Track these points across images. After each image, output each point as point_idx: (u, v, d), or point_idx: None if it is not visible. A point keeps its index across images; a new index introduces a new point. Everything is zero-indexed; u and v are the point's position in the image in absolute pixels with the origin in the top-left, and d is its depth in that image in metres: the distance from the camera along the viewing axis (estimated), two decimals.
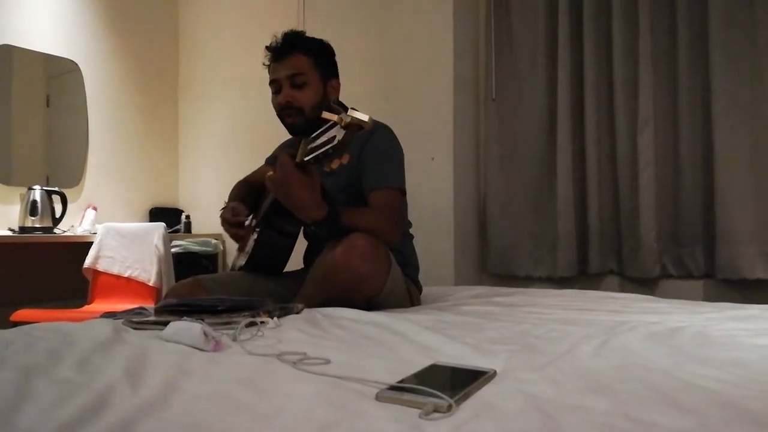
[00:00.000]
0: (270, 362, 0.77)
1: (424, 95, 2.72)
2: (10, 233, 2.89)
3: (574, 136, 2.51)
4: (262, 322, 1.06)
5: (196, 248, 3.42)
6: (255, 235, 1.67)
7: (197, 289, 1.54)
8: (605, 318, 1.21)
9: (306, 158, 1.26)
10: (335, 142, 1.20)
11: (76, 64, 3.36)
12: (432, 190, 2.65)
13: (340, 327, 1.03)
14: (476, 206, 2.81)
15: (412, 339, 0.92)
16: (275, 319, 1.08)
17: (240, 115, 3.58)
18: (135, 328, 1.03)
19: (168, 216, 3.71)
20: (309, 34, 3.06)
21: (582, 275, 2.51)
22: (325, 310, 1.25)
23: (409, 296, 1.61)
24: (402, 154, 1.69)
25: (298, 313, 1.27)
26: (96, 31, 3.47)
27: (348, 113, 1.19)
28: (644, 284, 2.38)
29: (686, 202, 2.31)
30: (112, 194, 3.53)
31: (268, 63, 1.70)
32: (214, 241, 3.48)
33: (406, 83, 2.78)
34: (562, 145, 2.51)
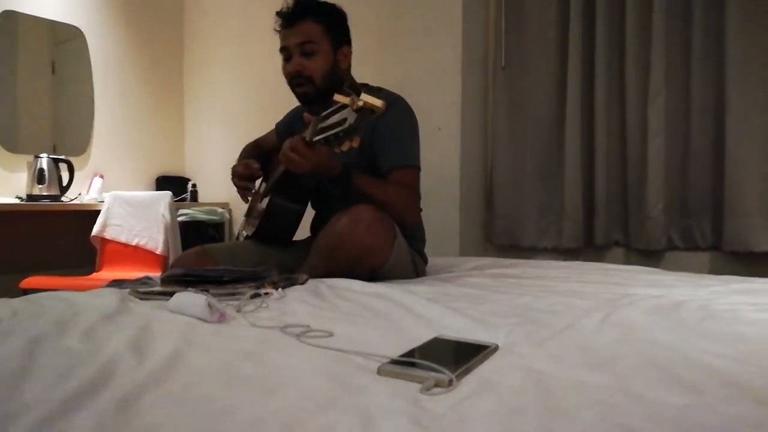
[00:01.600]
0: (273, 334, 0.77)
1: (430, 63, 2.68)
2: (17, 201, 2.90)
3: (583, 106, 2.47)
4: (266, 293, 1.07)
5: (202, 217, 3.43)
6: (263, 203, 1.67)
7: (204, 258, 1.55)
8: (608, 291, 1.21)
9: (316, 138, 1.25)
10: (346, 125, 1.18)
11: (81, 31, 3.32)
12: (438, 160, 2.63)
13: (344, 299, 1.04)
14: (483, 177, 2.79)
15: (415, 311, 0.92)
16: (280, 290, 1.08)
17: (246, 81, 3.55)
18: (141, 299, 1.04)
19: (174, 184, 3.71)
20: None
21: (588, 246, 2.50)
22: (329, 281, 1.25)
23: (414, 268, 1.62)
24: (416, 127, 1.68)
25: (302, 284, 1.28)
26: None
27: (361, 97, 1.17)
28: (650, 256, 2.37)
29: (695, 173, 2.28)
30: (119, 162, 3.54)
31: (278, 29, 1.67)
32: (220, 209, 3.49)
33: (412, 51, 2.74)
34: (571, 114, 2.48)
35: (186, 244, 3.04)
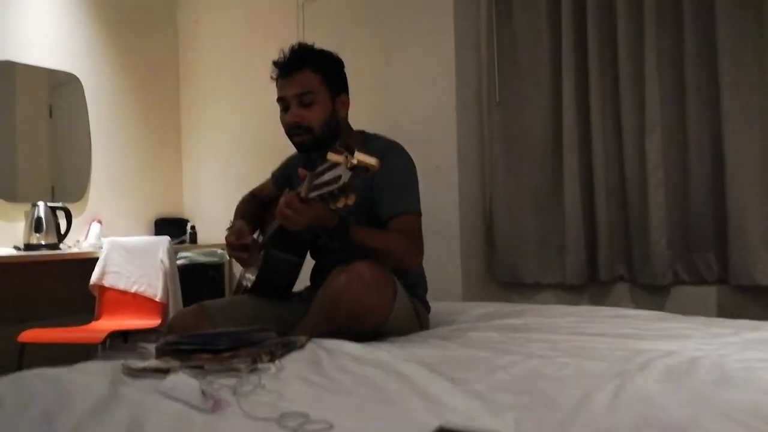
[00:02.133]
0: (269, 428, 0.74)
1: (426, 102, 2.68)
2: (14, 251, 2.88)
3: (580, 139, 2.47)
4: (265, 362, 1.04)
5: (202, 259, 3.40)
6: (261, 256, 1.64)
7: (201, 317, 1.52)
8: (618, 346, 1.17)
9: (311, 194, 1.23)
10: (341, 183, 1.16)
11: (77, 78, 3.34)
12: (437, 198, 2.60)
13: (344, 371, 1.00)
14: (482, 213, 2.76)
15: (419, 388, 0.89)
16: (278, 362, 1.05)
17: (242, 122, 3.56)
18: (134, 377, 1.01)
19: (173, 226, 3.69)
20: (308, 41, 3.02)
21: (592, 282, 2.47)
22: (329, 344, 1.22)
23: (417, 319, 1.58)
24: (415, 173, 1.66)
25: (302, 347, 1.24)
26: (95, 44, 3.44)
27: (354, 156, 1.15)
28: (656, 291, 2.34)
29: (696, 206, 2.27)
30: (117, 206, 3.51)
31: (275, 77, 1.66)
32: (219, 251, 3.46)
33: (407, 90, 2.74)
34: (568, 148, 2.47)
35: (186, 287, 3.01)
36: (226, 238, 1.71)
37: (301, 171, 1.39)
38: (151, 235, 3.65)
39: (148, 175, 3.70)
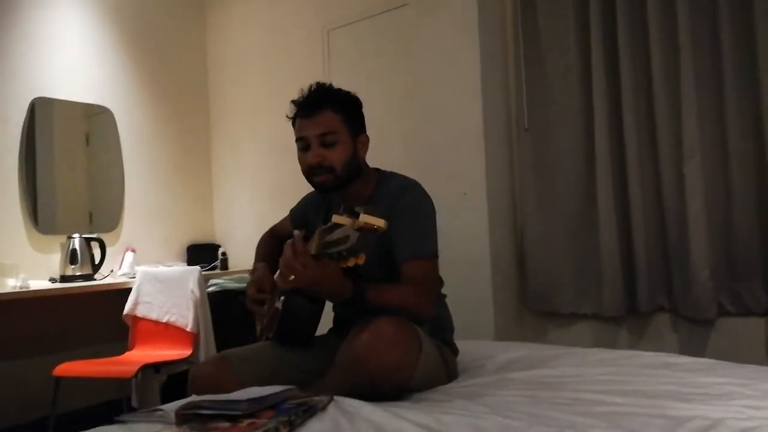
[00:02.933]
0: None
1: (452, 128, 2.62)
2: (50, 283, 2.94)
3: (614, 165, 2.37)
4: None
5: (232, 285, 3.41)
6: (281, 302, 1.61)
7: (223, 369, 1.50)
8: (658, 413, 1.10)
9: (321, 252, 1.20)
10: (348, 244, 1.13)
11: (109, 110, 3.40)
12: (466, 226, 2.55)
13: None
14: (513, 242, 2.69)
15: None
16: None
17: (270, 149, 3.57)
18: None
19: (205, 252, 3.73)
20: (334, 69, 3.02)
21: (631, 314, 2.37)
22: (350, 408, 1.18)
23: (445, 366, 1.53)
24: (433, 214, 1.61)
25: (323, 409, 1.21)
26: (126, 77, 3.51)
27: (360, 218, 1.12)
28: (700, 323, 2.22)
29: (740, 233, 2.15)
30: (149, 234, 3.57)
31: (291, 116, 1.64)
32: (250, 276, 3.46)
33: (434, 117, 2.69)
34: (601, 174, 2.37)
35: (217, 314, 3.03)
36: (246, 290, 1.68)
37: (296, 233, 1.34)
38: (183, 261, 3.69)
39: (180, 202, 3.75)
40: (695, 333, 2.24)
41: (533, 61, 2.57)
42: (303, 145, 1.58)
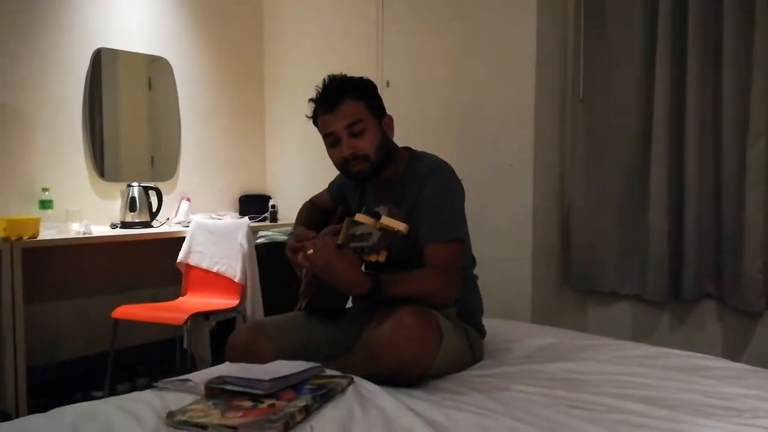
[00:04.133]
0: None
1: (502, 96, 2.54)
2: (111, 229, 3.11)
3: (671, 143, 2.25)
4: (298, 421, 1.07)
5: (281, 238, 3.51)
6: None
7: (259, 336, 1.57)
8: (673, 428, 1.09)
9: (346, 243, 1.22)
10: (370, 242, 1.15)
11: (168, 61, 3.47)
12: (509, 198, 2.51)
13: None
14: (559, 216, 2.63)
15: None
16: (308, 428, 1.07)
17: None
18: (176, 428, 1.07)
19: (257, 203, 3.83)
20: (387, 27, 2.94)
21: (675, 297, 2.30)
22: (367, 393, 1.24)
23: (470, 349, 1.56)
24: (461, 196, 1.60)
25: (343, 391, 1.26)
26: (185, 30, 3.55)
27: (381, 220, 1.13)
28: (746, 315, 2.14)
29: None
30: (204, 184, 3.69)
31: (311, 116, 1.65)
32: None
33: (482, 82, 2.61)
34: (657, 152, 2.26)
35: (265, 266, 3.14)
36: (287, 242, 1.73)
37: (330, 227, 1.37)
38: (236, 211, 3.82)
39: (234, 154, 3.84)
40: (741, 324, 2.17)
41: (594, 30, 2.42)
42: (332, 140, 1.58)
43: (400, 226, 1.15)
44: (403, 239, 1.27)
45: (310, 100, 1.61)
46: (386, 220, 1.15)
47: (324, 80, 1.60)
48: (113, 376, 2.75)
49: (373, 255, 1.19)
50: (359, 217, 1.19)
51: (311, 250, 1.31)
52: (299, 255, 1.40)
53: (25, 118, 2.94)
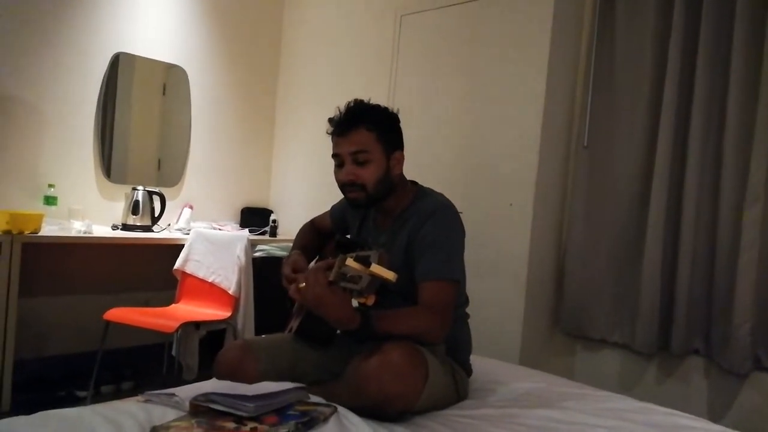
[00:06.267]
0: None
1: (509, 135, 2.59)
2: (112, 230, 3.14)
3: (670, 198, 2.29)
4: None
5: (278, 253, 3.54)
6: None
7: (246, 355, 1.58)
8: None
9: (337, 280, 1.25)
10: (360, 286, 1.18)
11: (184, 69, 3.53)
12: (507, 237, 2.54)
13: None
14: (554, 259, 2.66)
15: None
16: None
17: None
18: None
19: (258, 216, 3.86)
20: (402, 52, 2.99)
21: (663, 351, 2.31)
22: (349, 425, 1.25)
23: (455, 387, 1.57)
24: (461, 238, 1.62)
25: (325, 420, 1.27)
26: (204, 42, 3.62)
27: (371, 268, 1.16)
28: (733, 375, 2.15)
29: None
30: (208, 193, 3.73)
31: (330, 134, 1.68)
32: None
33: (491, 117, 2.66)
34: (655, 205, 2.30)
35: (260, 279, 3.15)
36: (283, 269, 1.76)
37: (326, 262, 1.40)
38: (237, 222, 3.85)
39: (240, 165, 3.88)
40: (727, 383, 2.18)
41: (603, 79, 2.48)
42: (338, 161, 1.63)
43: (389, 275, 1.18)
44: (393, 285, 1.29)
45: (329, 119, 1.64)
46: (376, 268, 1.18)
47: (348, 103, 1.63)
48: (99, 377, 2.76)
49: (362, 298, 1.22)
50: (350, 262, 1.22)
51: (303, 284, 1.33)
52: (292, 287, 1.43)
53: (39, 114, 2.99)
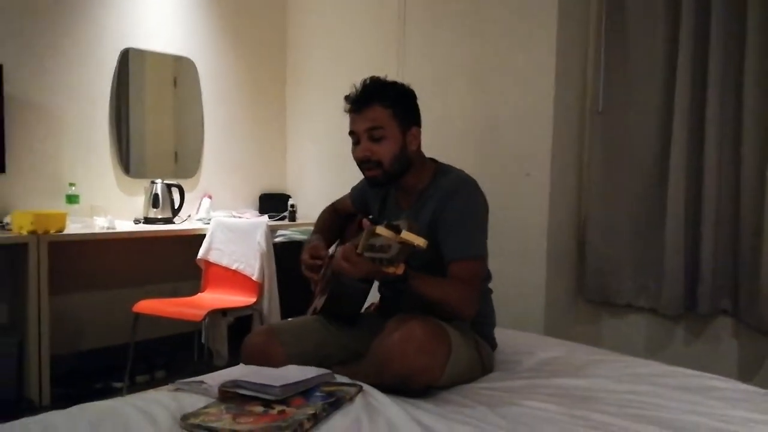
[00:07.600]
0: None
1: (521, 104, 2.55)
2: (134, 224, 3.19)
3: (690, 156, 2.24)
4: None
5: (299, 237, 3.56)
6: (331, 277, 1.69)
7: (271, 341, 1.61)
8: None
9: (366, 254, 1.25)
10: (389, 254, 1.17)
11: (193, 62, 3.54)
12: (525, 207, 2.52)
13: None
14: (575, 227, 2.63)
15: None
16: None
17: (342, 105, 3.60)
18: (189, 431, 1.11)
19: (276, 201, 3.88)
20: (408, 30, 2.96)
21: (690, 311, 2.29)
22: (375, 402, 1.27)
23: (480, 361, 1.57)
24: (485, 213, 1.61)
25: (351, 399, 1.29)
26: (210, 31, 3.62)
27: (402, 235, 1.15)
28: (762, 333, 2.12)
29: None
30: (225, 182, 3.76)
31: (347, 111, 1.67)
32: None
33: (501, 89, 2.62)
34: (675, 165, 2.25)
35: (281, 266, 3.19)
36: (302, 255, 1.78)
37: (364, 222, 1.41)
38: (255, 209, 3.88)
39: (255, 153, 3.90)
40: (756, 342, 2.15)
41: (615, 42, 2.41)
42: (355, 138, 1.62)
43: (420, 241, 1.17)
44: (422, 254, 1.30)
45: (345, 97, 1.63)
46: (407, 235, 1.17)
47: (364, 80, 1.62)
48: (133, 368, 2.83)
49: (391, 267, 1.21)
50: (380, 230, 1.21)
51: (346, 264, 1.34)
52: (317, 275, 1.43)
53: (55, 116, 3.03)
